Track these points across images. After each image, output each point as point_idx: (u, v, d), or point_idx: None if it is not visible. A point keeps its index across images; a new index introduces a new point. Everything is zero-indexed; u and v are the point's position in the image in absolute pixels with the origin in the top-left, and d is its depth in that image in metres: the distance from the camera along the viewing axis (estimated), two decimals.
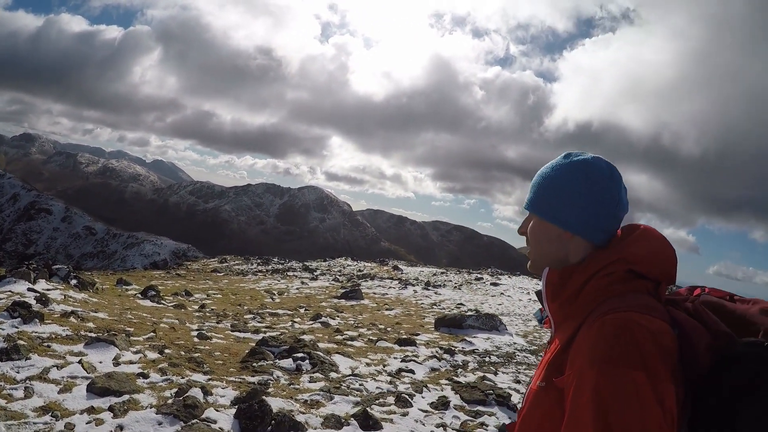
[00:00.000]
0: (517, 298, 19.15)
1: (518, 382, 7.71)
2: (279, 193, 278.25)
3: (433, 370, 7.68)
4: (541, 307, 1.72)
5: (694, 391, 1.39)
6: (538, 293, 1.67)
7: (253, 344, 7.31)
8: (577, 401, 1.33)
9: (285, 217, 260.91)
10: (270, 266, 27.22)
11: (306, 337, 8.38)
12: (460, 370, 7.89)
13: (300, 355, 6.61)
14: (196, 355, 6.46)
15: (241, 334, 8.36)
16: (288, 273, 23.49)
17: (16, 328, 5.94)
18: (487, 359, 8.77)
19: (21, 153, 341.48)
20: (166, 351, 6.35)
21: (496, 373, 7.96)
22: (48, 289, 8.70)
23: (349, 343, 8.58)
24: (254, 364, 6.25)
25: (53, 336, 5.97)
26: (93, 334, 6.32)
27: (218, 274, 22.33)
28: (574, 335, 1.47)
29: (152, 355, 6.16)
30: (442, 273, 29.49)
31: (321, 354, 6.87)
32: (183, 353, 6.47)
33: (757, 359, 1.33)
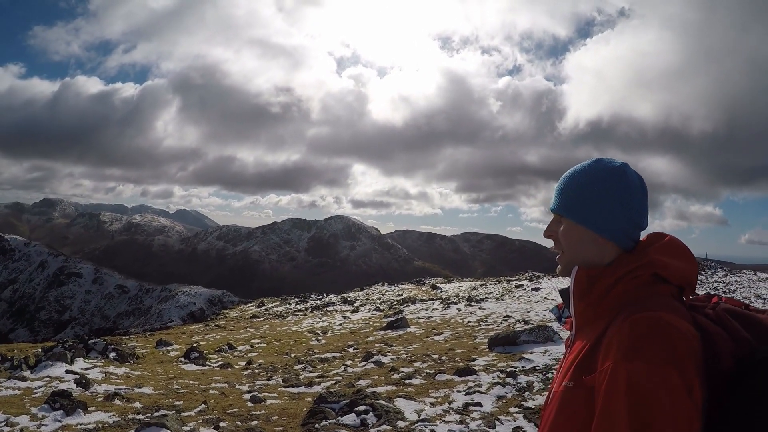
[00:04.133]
0: (561, 300, 18.49)
1: None
2: (306, 226, 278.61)
3: (499, 398, 7.21)
4: (558, 303, 1.81)
5: (714, 393, 1.44)
6: (563, 291, 1.71)
7: (310, 400, 6.87)
8: (611, 395, 1.37)
9: (315, 250, 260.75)
10: (308, 303, 26.90)
11: (363, 383, 7.91)
12: (526, 393, 7.39)
13: (362, 407, 6.12)
14: (254, 423, 6.03)
15: (295, 389, 7.89)
16: (327, 308, 23.12)
17: (60, 422, 5.61)
18: (549, 375, 8.28)
19: (43, 219, 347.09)
20: (221, 424, 5.92)
21: None
22: (87, 368, 8.40)
23: (408, 381, 8.09)
24: (316, 425, 5.78)
25: (100, 426, 5.61)
26: (141, 416, 5.95)
27: (258, 319, 22.03)
28: (602, 335, 1.50)
29: None
30: (482, 285, 28.83)
31: (383, 402, 6.38)
32: (239, 423, 6.04)
33: None
